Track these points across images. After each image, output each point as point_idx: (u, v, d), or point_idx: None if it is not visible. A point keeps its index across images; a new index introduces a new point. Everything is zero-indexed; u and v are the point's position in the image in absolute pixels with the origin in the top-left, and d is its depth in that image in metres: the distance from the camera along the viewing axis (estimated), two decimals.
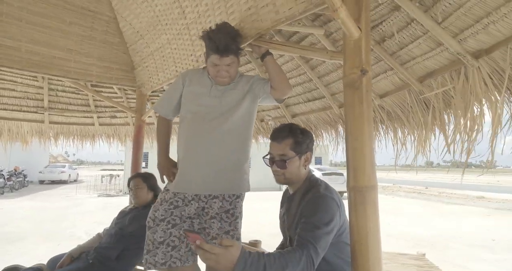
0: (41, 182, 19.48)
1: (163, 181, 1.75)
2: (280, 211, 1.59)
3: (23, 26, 2.33)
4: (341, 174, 13.94)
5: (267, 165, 1.51)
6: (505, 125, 1.18)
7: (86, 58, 2.65)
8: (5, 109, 3.17)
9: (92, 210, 9.83)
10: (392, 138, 1.99)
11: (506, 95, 1.24)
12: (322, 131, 2.71)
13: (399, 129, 1.95)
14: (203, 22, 2.01)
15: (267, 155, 1.51)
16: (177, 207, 1.58)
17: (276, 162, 1.43)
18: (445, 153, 1.55)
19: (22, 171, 16.93)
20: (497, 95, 1.30)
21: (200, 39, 1.59)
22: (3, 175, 14.46)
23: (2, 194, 13.52)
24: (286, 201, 1.55)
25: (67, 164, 23.06)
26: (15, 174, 15.88)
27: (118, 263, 2.06)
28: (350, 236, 1.09)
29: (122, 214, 2.26)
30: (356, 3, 1.12)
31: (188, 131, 1.64)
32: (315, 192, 1.37)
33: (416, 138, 1.72)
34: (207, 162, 1.58)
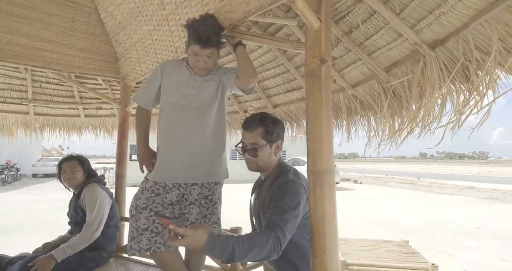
0: (34, 175, 19.41)
1: (142, 171, 1.80)
2: (251, 198, 1.66)
3: (2, 17, 2.33)
4: None
5: (239, 153, 1.57)
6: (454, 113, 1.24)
7: (68, 49, 2.65)
8: None
9: None
10: (366, 126, 2.06)
11: (463, 84, 1.30)
12: (303, 121, 2.77)
13: (372, 118, 2.01)
14: (180, 13, 2.03)
15: (239, 143, 1.56)
16: (158, 194, 1.63)
17: (248, 150, 1.49)
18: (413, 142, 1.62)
19: (15, 164, 16.85)
20: (456, 84, 1.36)
21: (184, 27, 1.63)
22: None
23: None
24: (258, 186, 1.61)
25: (60, 157, 22.94)
26: (7, 167, 15.80)
27: (99, 238, 2.10)
28: (309, 217, 1.16)
29: (69, 206, 2.30)
30: None
31: (167, 121, 1.69)
32: (284, 177, 1.43)
33: (386, 125, 1.78)
34: (186, 151, 1.63)
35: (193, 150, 1.64)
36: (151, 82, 1.79)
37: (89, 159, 2.45)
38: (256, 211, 1.54)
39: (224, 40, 1.67)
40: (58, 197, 10.94)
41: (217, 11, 1.70)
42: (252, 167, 1.52)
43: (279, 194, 1.36)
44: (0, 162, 16.03)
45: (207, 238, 1.07)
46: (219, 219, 1.74)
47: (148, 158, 1.77)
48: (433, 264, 3.25)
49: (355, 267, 3.38)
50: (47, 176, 19.68)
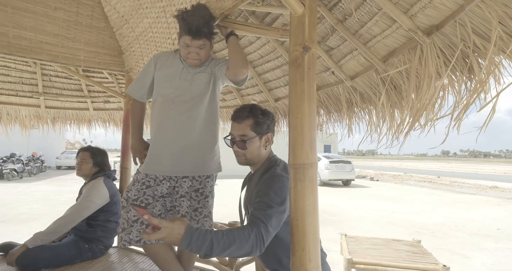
0: (59, 167, 20.29)
1: (135, 163, 1.81)
2: (241, 193, 1.62)
3: (9, 12, 2.39)
4: (349, 162, 13.89)
5: (228, 145, 1.52)
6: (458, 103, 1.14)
7: (73, 43, 2.69)
8: (1, 94, 3.28)
9: None
10: (368, 120, 1.96)
11: (464, 75, 1.20)
12: None
13: (373, 111, 1.91)
14: (176, 4, 2.00)
15: (228, 135, 1.52)
16: (149, 186, 1.63)
17: (237, 142, 1.43)
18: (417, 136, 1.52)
19: (40, 156, 17.65)
20: (458, 74, 1.25)
21: (174, 18, 1.60)
22: (21, 160, 15.12)
23: (21, 178, 14.18)
24: (247, 181, 1.57)
25: None
26: (33, 159, 16.56)
27: (98, 232, 2.17)
28: (290, 212, 1.11)
29: (79, 193, 2.35)
30: None
31: (159, 114, 1.68)
32: (272, 172, 1.38)
33: (387, 119, 1.68)
34: (176, 143, 1.62)
35: (183, 142, 1.62)
36: (145, 74, 1.79)
37: (111, 153, 2.49)
38: (245, 205, 1.51)
39: (216, 30, 1.63)
40: (78, 188, 11.35)
41: (208, 1, 1.66)
42: (241, 160, 1.47)
43: (265, 188, 1.31)
44: (26, 154, 16.81)
45: (184, 231, 1.02)
46: (210, 212, 1.72)
47: (141, 150, 1.78)
48: (444, 265, 3.09)
49: (362, 266, 3.28)
50: (70, 168, 20.51)
